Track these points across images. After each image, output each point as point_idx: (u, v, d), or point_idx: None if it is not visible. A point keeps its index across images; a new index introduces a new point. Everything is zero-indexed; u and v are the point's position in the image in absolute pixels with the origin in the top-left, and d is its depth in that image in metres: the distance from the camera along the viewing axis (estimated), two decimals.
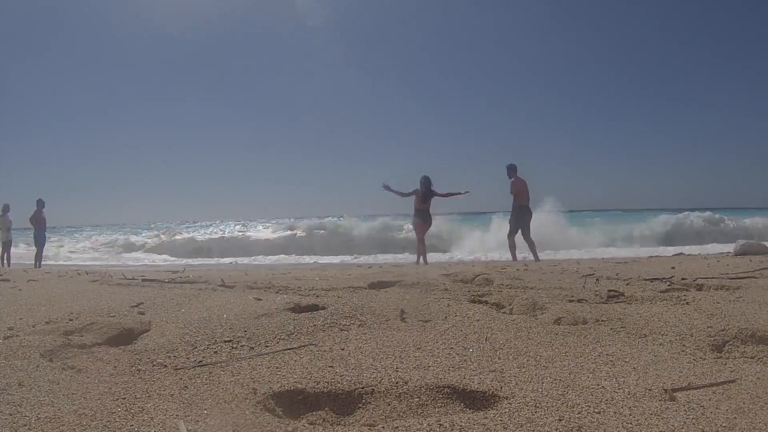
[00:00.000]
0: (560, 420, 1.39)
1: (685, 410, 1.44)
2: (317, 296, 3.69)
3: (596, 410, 1.46)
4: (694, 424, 1.36)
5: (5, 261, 13.74)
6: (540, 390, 1.62)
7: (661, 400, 1.52)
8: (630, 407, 1.47)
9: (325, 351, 2.14)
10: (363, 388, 1.71)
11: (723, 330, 2.18)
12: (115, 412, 1.48)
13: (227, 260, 17.57)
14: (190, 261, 17.96)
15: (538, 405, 1.50)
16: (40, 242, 13.74)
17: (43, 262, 13.95)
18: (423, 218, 10.47)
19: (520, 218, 9.96)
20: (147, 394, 1.65)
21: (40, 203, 13.82)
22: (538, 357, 1.99)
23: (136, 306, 3.26)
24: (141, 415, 1.47)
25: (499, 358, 1.98)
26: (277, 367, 1.93)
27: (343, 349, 2.16)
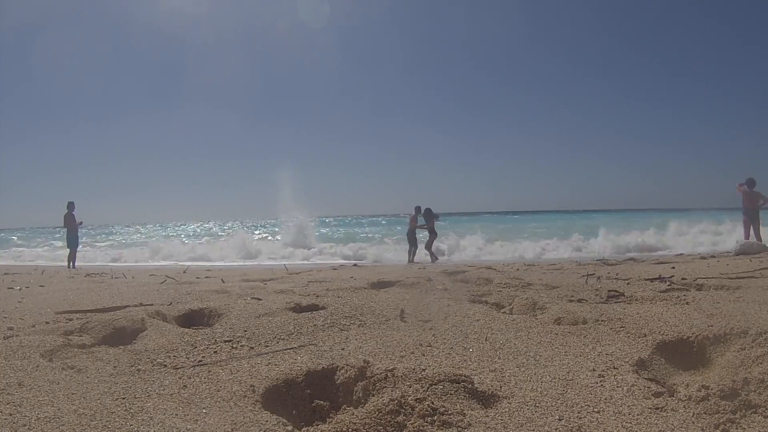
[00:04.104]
0: (560, 419, 1.39)
1: (684, 409, 1.44)
2: (317, 296, 3.69)
3: (596, 409, 1.46)
4: (693, 422, 1.36)
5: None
6: (540, 389, 1.62)
7: (660, 399, 1.51)
8: (629, 406, 1.47)
9: (325, 350, 2.13)
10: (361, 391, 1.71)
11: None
12: (115, 412, 1.48)
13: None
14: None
15: (537, 404, 1.50)
16: (72, 243, 13.45)
17: (77, 263, 13.59)
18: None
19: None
20: (147, 394, 1.65)
21: (71, 205, 13.51)
22: (538, 357, 1.98)
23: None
24: (141, 414, 1.47)
25: (499, 358, 1.98)
26: (276, 365, 1.93)
27: (343, 349, 2.16)
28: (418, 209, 13.70)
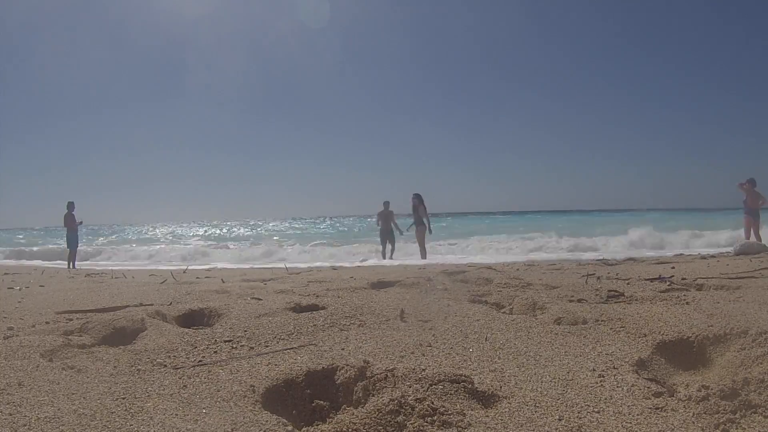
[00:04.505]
0: (560, 419, 1.39)
1: (684, 409, 1.44)
2: (317, 296, 3.69)
3: (596, 409, 1.46)
4: (693, 422, 1.36)
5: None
6: (540, 389, 1.62)
7: (660, 400, 1.51)
8: (629, 406, 1.47)
9: (325, 350, 2.14)
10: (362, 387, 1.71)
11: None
12: (115, 412, 1.48)
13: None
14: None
15: (537, 404, 1.50)
16: (72, 243, 13.39)
17: (77, 263, 13.52)
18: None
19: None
20: (147, 394, 1.65)
21: (71, 205, 13.45)
22: (538, 357, 1.98)
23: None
24: (141, 414, 1.47)
25: (499, 358, 1.98)
26: (276, 365, 1.93)
27: (343, 349, 2.16)
28: (387, 204, 12.71)
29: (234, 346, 2.29)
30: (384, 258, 12.74)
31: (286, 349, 2.17)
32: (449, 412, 1.43)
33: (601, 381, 1.68)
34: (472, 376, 1.71)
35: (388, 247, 12.94)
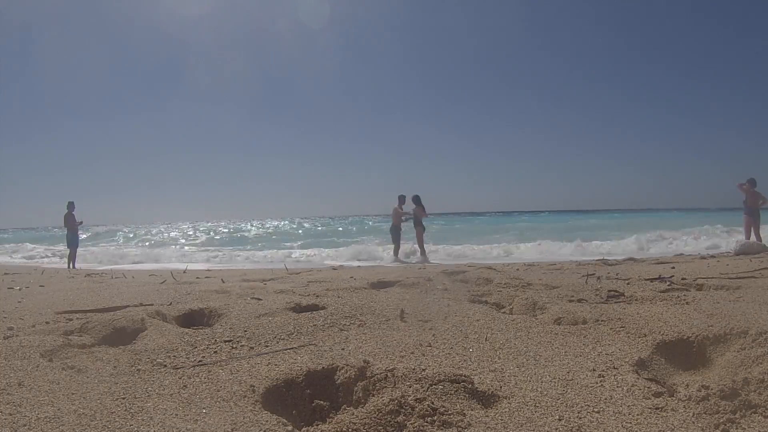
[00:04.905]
0: (560, 419, 1.39)
1: (684, 409, 1.44)
2: (317, 296, 3.69)
3: (596, 409, 1.46)
4: (693, 422, 1.36)
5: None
6: (540, 389, 1.62)
7: (660, 400, 1.51)
8: (629, 406, 1.47)
9: (325, 350, 2.13)
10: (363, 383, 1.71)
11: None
12: (115, 412, 1.48)
13: None
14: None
15: (537, 404, 1.50)
16: (72, 243, 13.40)
17: (77, 264, 13.51)
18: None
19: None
20: (147, 394, 1.65)
21: (71, 205, 13.45)
22: (538, 357, 1.98)
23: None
24: (141, 414, 1.47)
25: (499, 358, 1.98)
26: (276, 365, 1.93)
27: (343, 349, 2.16)
28: (402, 198, 12.60)
29: (234, 346, 2.29)
30: (395, 255, 12.77)
31: (286, 349, 2.17)
32: (449, 412, 1.43)
33: (601, 381, 1.68)
34: (472, 376, 1.71)
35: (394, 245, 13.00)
